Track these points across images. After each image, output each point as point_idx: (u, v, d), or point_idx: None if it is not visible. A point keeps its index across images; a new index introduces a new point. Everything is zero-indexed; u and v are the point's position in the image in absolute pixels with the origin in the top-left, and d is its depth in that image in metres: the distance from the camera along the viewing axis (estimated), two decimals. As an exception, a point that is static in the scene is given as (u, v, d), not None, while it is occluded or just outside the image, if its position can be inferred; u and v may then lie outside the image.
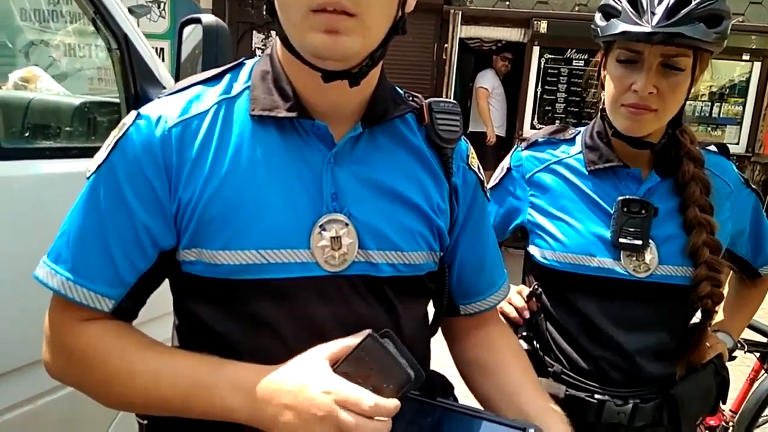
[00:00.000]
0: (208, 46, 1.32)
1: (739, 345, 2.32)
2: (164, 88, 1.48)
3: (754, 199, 1.25)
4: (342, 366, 0.69)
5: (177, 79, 1.47)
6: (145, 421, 0.87)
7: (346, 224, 0.78)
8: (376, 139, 0.83)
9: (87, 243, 0.75)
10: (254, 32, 6.39)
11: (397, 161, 0.84)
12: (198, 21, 1.39)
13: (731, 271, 1.38)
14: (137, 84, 1.46)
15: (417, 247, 0.83)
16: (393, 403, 0.67)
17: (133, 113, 0.79)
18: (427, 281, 0.87)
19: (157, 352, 0.77)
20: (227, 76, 0.82)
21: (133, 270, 0.76)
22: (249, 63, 0.85)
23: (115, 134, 0.78)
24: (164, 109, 0.77)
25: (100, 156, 0.77)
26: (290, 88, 0.78)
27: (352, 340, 0.70)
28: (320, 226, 0.77)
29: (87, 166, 0.79)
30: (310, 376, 0.69)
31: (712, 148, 1.24)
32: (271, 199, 0.76)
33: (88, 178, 0.77)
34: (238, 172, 0.76)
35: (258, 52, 6.28)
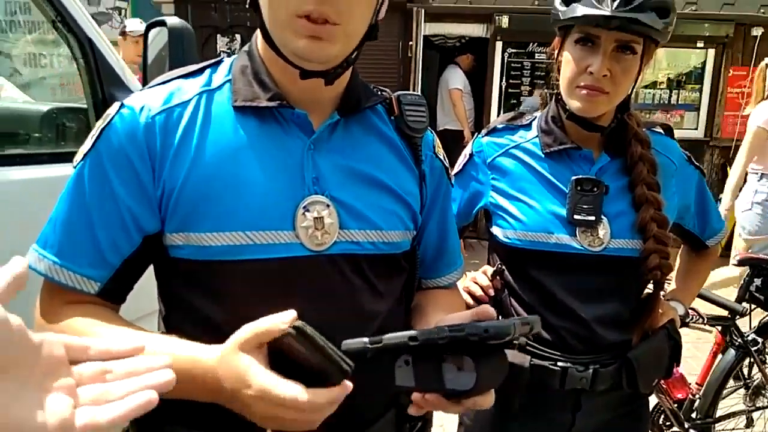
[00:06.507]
0: (174, 48, 1.34)
1: (702, 320, 2.43)
2: (132, 92, 1.49)
3: (698, 175, 1.33)
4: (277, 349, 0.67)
5: (145, 81, 1.49)
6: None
7: (328, 205, 0.81)
8: (351, 130, 0.87)
9: (73, 227, 0.77)
10: (218, 36, 6.36)
11: (371, 149, 0.88)
12: (163, 24, 1.41)
13: (682, 244, 1.46)
14: (104, 89, 1.48)
15: (394, 226, 0.87)
16: (333, 396, 0.66)
17: (116, 104, 0.81)
18: (402, 261, 0.92)
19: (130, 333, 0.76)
20: (207, 71, 0.86)
21: (117, 253, 0.78)
22: (227, 60, 0.88)
23: (99, 124, 0.80)
24: (147, 99, 0.80)
25: (86, 145, 0.80)
26: (270, 80, 0.82)
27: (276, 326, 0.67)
28: (304, 207, 0.80)
29: (74, 158, 0.81)
30: (240, 379, 0.67)
31: (658, 129, 1.31)
32: (256, 182, 0.79)
33: (75, 166, 0.80)
34: (222, 157, 0.78)
35: (223, 55, 6.24)
